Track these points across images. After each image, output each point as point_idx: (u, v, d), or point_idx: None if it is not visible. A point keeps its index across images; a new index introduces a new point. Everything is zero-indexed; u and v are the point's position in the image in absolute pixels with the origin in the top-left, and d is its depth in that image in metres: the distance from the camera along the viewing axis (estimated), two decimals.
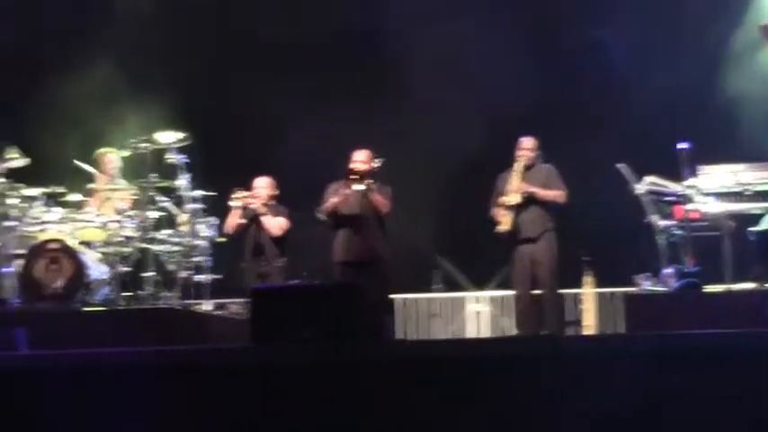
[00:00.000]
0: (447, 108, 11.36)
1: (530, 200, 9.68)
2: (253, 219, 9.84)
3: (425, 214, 11.33)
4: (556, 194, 9.69)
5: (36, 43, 11.86)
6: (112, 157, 9.75)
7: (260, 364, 4.55)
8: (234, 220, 9.78)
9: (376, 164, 9.67)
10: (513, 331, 10.17)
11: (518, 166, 9.77)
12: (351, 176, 9.44)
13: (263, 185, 9.95)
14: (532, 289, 9.73)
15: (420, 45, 11.26)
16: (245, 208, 9.81)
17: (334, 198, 9.60)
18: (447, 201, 11.42)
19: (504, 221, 9.64)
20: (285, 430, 4.45)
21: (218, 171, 9.96)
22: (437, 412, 4.46)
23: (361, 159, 9.67)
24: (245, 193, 9.80)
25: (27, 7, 11.82)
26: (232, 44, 12.05)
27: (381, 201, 9.60)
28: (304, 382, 4.50)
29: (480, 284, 11.72)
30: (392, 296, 10.58)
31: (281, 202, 9.99)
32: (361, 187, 9.49)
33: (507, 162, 9.86)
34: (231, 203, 9.75)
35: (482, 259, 11.27)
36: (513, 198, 9.64)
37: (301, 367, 4.52)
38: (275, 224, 9.82)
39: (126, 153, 9.51)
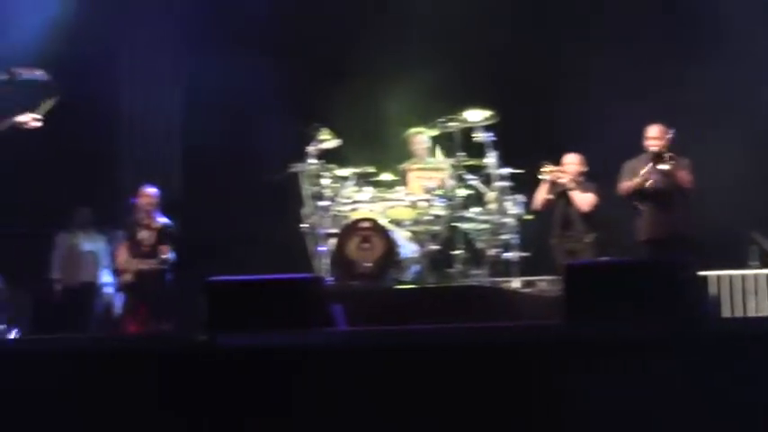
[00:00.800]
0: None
1: None
2: (561, 194, 9.74)
3: (739, 187, 10.77)
4: None
5: (337, 18, 12.07)
6: (422, 137, 9.83)
7: (575, 341, 4.43)
8: (542, 194, 9.72)
9: (669, 135, 9.38)
10: None
11: None
12: (656, 159, 9.23)
13: (573, 161, 9.84)
14: None
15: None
16: (554, 183, 9.73)
17: (636, 179, 9.39)
18: (764, 172, 10.84)
19: None
20: (602, 404, 4.30)
21: (526, 149, 9.87)
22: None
23: (654, 135, 9.41)
24: (555, 168, 9.71)
25: None
26: (536, 17, 11.81)
27: (685, 176, 9.32)
28: (620, 358, 4.34)
29: None
30: (704, 273, 10.16)
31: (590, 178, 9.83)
32: (666, 167, 9.25)
33: None
34: (541, 177, 9.69)
35: None
36: None
37: (618, 344, 4.37)
38: (585, 199, 9.70)
39: (435, 132, 9.57)
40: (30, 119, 8.09)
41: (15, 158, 8.24)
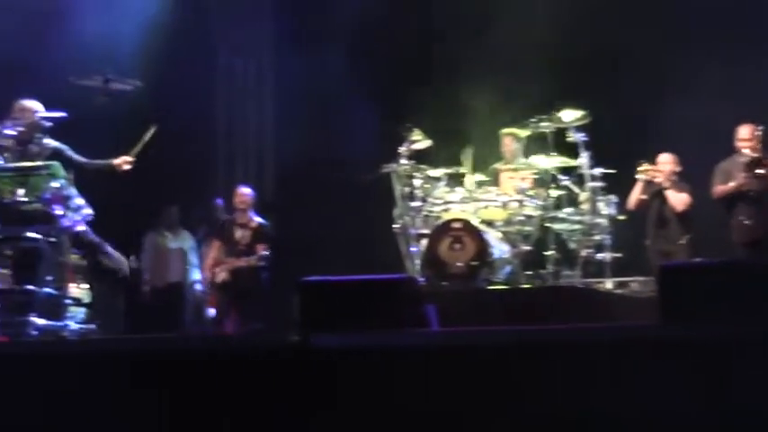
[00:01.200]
0: None
1: None
2: (656, 194, 9.64)
3: None
4: None
5: (429, 22, 12.08)
6: (513, 137, 9.81)
7: (670, 342, 4.40)
8: (637, 194, 9.63)
9: (758, 133, 9.24)
10: None
11: None
12: (752, 165, 9.09)
13: (667, 161, 9.74)
14: None
15: None
16: (649, 183, 9.63)
17: (732, 183, 9.25)
18: None
19: None
20: (698, 404, 4.27)
21: (618, 149, 9.79)
22: None
23: (745, 137, 9.28)
24: (651, 167, 9.61)
25: None
26: (628, 16, 11.67)
27: None
28: (715, 359, 4.30)
29: None
30: None
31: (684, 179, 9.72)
32: (762, 171, 9.11)
33: None
34: (637, 176, 9.59)
35: None
36: None
37: (713, 345, 4.33)
38: (680, 199, 9.60)
39: (527, 132, 9.53)
40: (122, 161, 8.21)
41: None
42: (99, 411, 4.92)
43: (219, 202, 10.99)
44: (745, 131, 9.35)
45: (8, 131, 7.66)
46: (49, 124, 7.86)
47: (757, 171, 9.20)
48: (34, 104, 7.93)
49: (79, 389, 4.94)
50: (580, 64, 11.19)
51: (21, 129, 7.73)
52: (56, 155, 7.79)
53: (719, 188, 9.43)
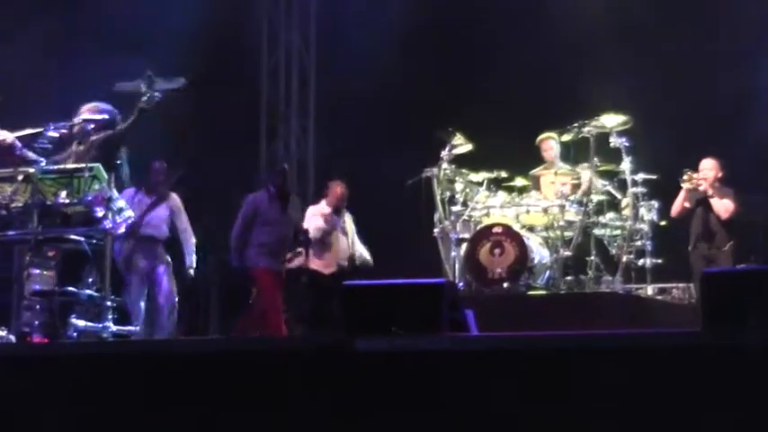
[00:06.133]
0: None
1: None
2: (700, 201, 9.51)
3: None
4: None
5: (472, 25, 12.06)
6: (552, 142, 9.75)
7: (712, 349, 4.37)
8: (681, 203, 9.49)
9: None
10: None
11: None
12: None
13: (710, 167, 9.59)
14: None
15: None
16: (693, 190, 9.48)
17: None
18: None
19: None
20: (741, 411, 4.24)
21: (661, 154, 9.72)
22: None
23: None
24: (695, 175, 9.48)
25: None
26: (672, 20, 11.57)
27: None
28: (758, 367, 4.27)
29: None
30: None
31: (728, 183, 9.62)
32: None
33: None
34: (682, 184, 9.46)
35: None
36: None
37: (756, 353, 4.30)
38: (723, 206, 9.45)
39: (567, 137, 9.47)
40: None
41: None
42: (137, 411, 4.95)
43: None
44: None
45: (51, 133, 7.70)
46: (91, 126, 7.88)
47: None
48: (87, 106, 7.95)
49: (117, 389, 4.97)
50: (624, 69, 11.12)
51: (63, 131, 7.78)
52: (107, 141, 7.72)
53: None
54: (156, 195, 9.53)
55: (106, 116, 7.82)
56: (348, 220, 10.41)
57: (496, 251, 8.77)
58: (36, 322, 7.12)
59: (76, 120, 7.82)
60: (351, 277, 8.97)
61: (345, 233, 10.32)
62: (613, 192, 9.22)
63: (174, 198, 9.66)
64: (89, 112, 7.85)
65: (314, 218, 10.14)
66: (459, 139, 9.21)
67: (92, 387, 4.99)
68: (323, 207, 10.27)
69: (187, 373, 4.96)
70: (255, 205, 9.66)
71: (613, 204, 9.23)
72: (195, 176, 11.18)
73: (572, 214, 8.98)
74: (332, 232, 10.16)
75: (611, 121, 9.07)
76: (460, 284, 8.76)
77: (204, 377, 4.92)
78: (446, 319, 4.91)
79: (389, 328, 4.84)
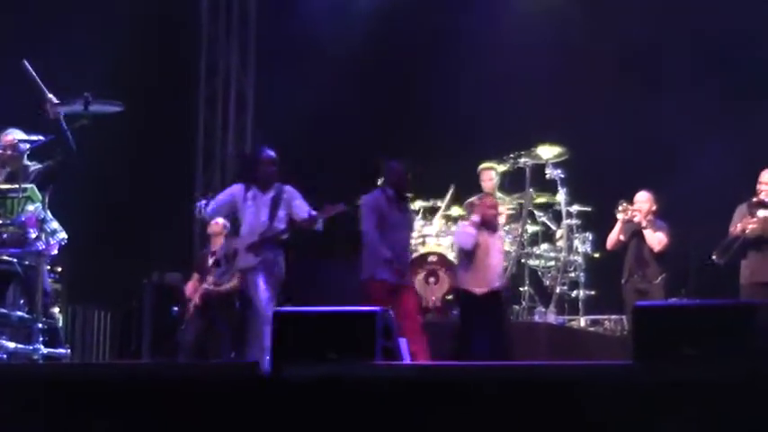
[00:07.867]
0: None
1: None
2: (634, 233, 9.55)
3: None
4: None
5: (410, 52, 12.08)
6: (491, 172, 9.77)
7: (643, 382, 4.40)
8: (616, 235, 9.51)
9: None
10: None
11: None
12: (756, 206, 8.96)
13: (645, 200, 9.65)
14: None
15: None
16: (628, 222, 9.52)
17: (740, 225, 9.11)
18: None
19: None
20: None
21: (595, 186, 9.78)
22: None
23: (765, 181, 9.10)
24: (630, 207, 9.52)
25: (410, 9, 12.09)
26: (612, 58, 11.66)
27: None
28: (688, 400, 4.30)
29: None
30: None
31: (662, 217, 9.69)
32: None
33: None
34: (618, 215, 9.49)
35: None
36: None
37: (688, 385, 4.32)
38: (656, 239, 9.49)
39: (505, 167, 9.51)
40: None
41: None
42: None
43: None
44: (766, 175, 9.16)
45: None
46: (26, 147, 7.74)
47: (760, 213, 8.98)
48: (12, 132, 7.82)
49: (46, 413, 4.88)
50: (559, 101, 11.19)
51: None
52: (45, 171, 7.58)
53: (731, 230, 9.19)
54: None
55: (41, 137, 7.70)
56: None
57: (431, 280, 8.78)
58: None
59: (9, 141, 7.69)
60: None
61: None
62: (548, 223, 9.28)
63: None
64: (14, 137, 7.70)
65: None
66: None
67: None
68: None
69: (113, 398, 4.88)
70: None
71: (548, 235, 9.29)
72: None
73: (507, 244, 9.01)
74: None
75: (547, 152, 9.14)
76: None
77: (129, 403, 4.85)
78: (379, 346, 4.89)
79: (323, 355, 4.80)
